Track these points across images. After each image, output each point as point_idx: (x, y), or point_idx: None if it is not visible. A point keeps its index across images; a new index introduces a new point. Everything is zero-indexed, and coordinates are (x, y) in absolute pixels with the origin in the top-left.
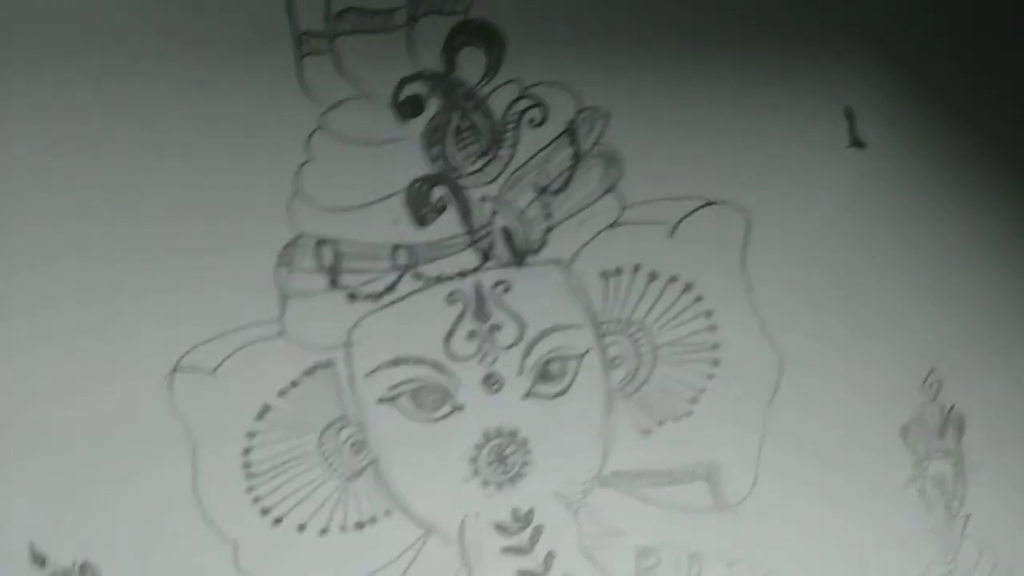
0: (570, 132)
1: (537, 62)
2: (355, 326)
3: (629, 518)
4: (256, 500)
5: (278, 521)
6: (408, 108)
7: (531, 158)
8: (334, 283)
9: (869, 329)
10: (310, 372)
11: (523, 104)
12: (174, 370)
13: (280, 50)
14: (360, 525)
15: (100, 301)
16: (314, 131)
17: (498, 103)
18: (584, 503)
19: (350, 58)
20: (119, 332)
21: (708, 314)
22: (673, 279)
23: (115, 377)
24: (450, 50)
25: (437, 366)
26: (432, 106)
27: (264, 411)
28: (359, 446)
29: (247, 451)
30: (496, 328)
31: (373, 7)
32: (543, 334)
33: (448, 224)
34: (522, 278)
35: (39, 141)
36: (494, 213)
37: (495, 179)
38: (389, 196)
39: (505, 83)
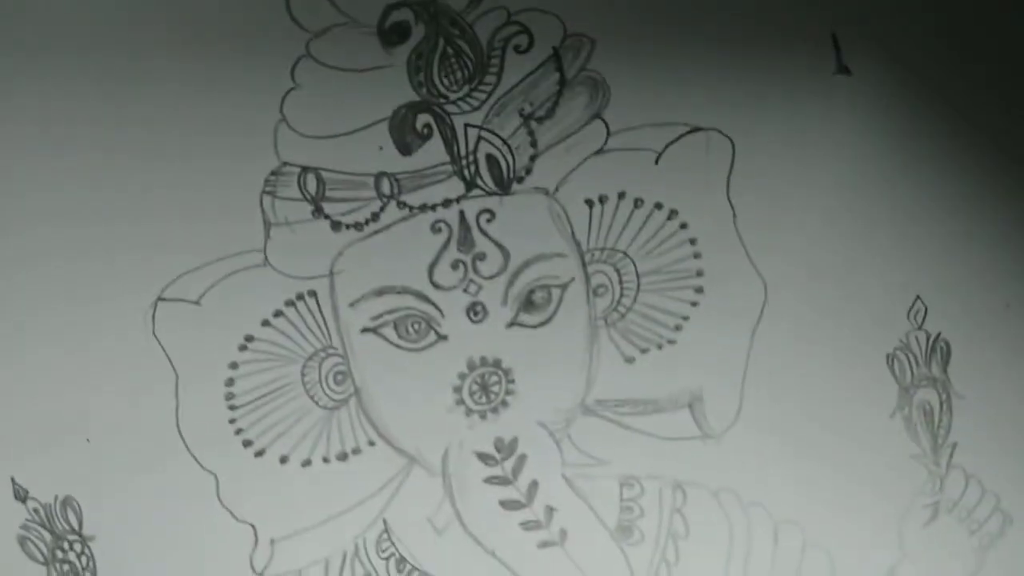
0: (556, 59)
1: None
2: (339, 255)
3: (613, 447)
4: (238, 432)
5: (260, 453)
6: (393, 35)
7: (516, 85)
8: (318, 212)
9: (854, 256)
10: (293, 302)
11: (509, 31)
12: (158, 300)
13: None
14: (343, 456)
15: (83, 229)
16: (300, 58)
17: (484, 30)
18: (567, 432)
19: None
20: (102, 263)
21: (692, 241)
22: (658, 206)
23: (99, 308)
24: None
25: (421, 296)
26: (418, 33)
27: (247, 341)
28: (342, 376)
29: (230, 382)
30: (480, 257)
31: None
32: (527, 263)
33: (433, 152)
34: (507, 207)
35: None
36: (479, 140)
37: (480, 106)
38: (374, 124)
39: (491, 10)
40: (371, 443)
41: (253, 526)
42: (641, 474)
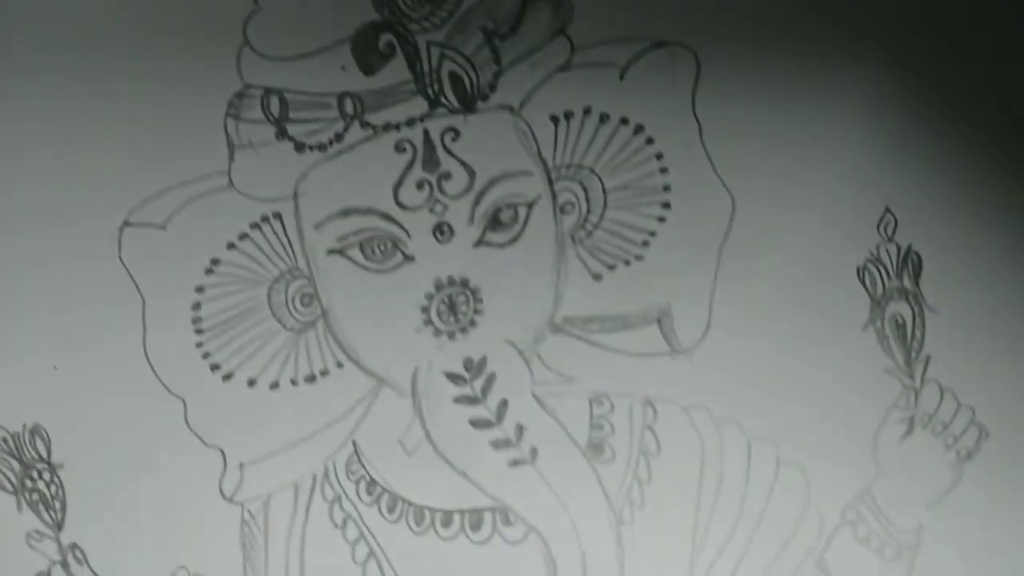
0: None
1: None
2: (303, 177)
3: (582, 365)
4: (206, 356)
5: (228, 377)
6: None
7: (479, 2)
8: (281, 133)
9: (822, 168)
10: (259, 224)
11: None
12: (124, 225)
13: None
14: (311, 378)
15: (48, 155)
16: None
17: None
18: (536, 351)
19: None
20: (67, 190)
21: (659, 156)
22: (624, 121)
23: (64, 235)
24: None
25: (386, 216)
26: None
27: (213, 265)
28: (309, 298)
29: (196, 306)
30: (445, 176)
31: None
32: (493, 181)
33: (395, 71)
34: (471, 125)
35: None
36: (442, 58)
37: (443, 24)
38: (336, 44)
39: None
40: (339, 365)
41: (222, 450)
42: (611, 391)
